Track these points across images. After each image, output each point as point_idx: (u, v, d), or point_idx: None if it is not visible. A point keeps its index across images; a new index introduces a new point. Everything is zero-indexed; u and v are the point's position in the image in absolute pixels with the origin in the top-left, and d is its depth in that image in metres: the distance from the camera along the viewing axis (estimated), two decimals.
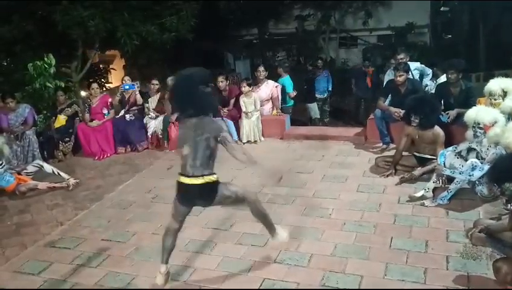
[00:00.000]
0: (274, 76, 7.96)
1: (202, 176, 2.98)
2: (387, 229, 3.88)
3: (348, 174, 5.17)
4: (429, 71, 6.72)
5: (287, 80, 7.95)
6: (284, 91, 7.74)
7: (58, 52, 7.77)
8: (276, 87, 7.33)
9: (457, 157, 4.36)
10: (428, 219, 3.98)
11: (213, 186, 3.04)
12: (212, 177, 3.02)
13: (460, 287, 3.04)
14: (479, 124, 4.28)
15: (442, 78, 5.93)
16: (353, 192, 4.71)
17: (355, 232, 3.86)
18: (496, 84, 4.71)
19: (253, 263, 3.52)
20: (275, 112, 7.23)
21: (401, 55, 6.35)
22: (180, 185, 3.06)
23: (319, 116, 9.76)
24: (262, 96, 7.14)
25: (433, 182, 4.39)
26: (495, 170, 3.17)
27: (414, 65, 6.51)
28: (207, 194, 3.07)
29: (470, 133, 4.46)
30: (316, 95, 9.84)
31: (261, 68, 7.40)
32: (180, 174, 3.06)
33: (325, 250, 3.62)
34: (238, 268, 3.47)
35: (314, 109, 9.76)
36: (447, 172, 4.28)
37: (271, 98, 7.26)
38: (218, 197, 3.07)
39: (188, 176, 3.00)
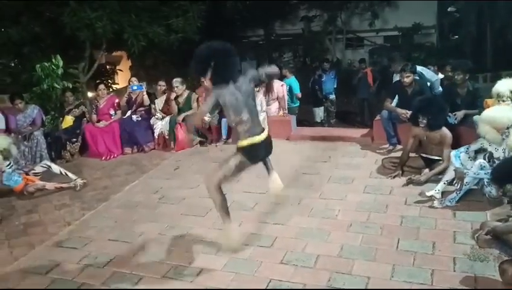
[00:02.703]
0: (280, 77, 7.95)
1: (264, 129, 3.42)
2: (394, 230, 3.86)
3: (354, 175, 5.16)
4: (434, 79, 6.24)
5: (293, 80, 7.95)
6: (290, 91, 7.74)
7: (65, 54, 7.84)
8: (281, 86, 7.32)
9: (470, 160, 4.32)
10: (436, 221, 3.96)
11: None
12: None
13: (467, 289, 3.02)
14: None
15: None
16: (360, 193, 4.69)
17: (362, 234, 3.84)
18: (504, 86, 4.66)
19: (260, 264, 3.52)
20: (281, 112, 7.22)
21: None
22: (256, 145, 3.33)
23: (319, 121, 9.77)
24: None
25: (444, 183, 4.33)
26: (497, 171, 3.16)
27: (418, 69, 6.28)
28: (271, 143, 3.54)
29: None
30: (323, 97, 9.84)
31: None
32: (248, 137, 3.30)
33: (331, 251, 3.61)
34: (245, 268, 3.47)
35: (319, 113, 9.78)
36: (471, 174, 4.11)
37: (277, 97, 7.26)
38: None
39: (259, 134, 3.34)
